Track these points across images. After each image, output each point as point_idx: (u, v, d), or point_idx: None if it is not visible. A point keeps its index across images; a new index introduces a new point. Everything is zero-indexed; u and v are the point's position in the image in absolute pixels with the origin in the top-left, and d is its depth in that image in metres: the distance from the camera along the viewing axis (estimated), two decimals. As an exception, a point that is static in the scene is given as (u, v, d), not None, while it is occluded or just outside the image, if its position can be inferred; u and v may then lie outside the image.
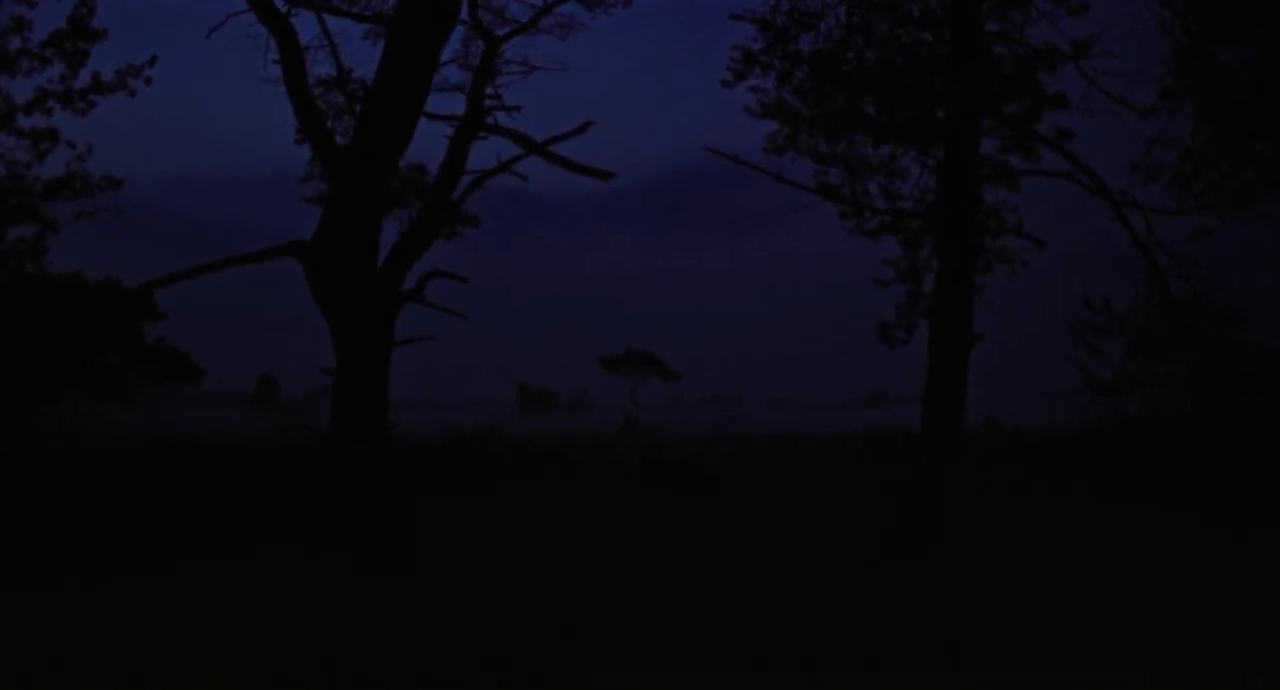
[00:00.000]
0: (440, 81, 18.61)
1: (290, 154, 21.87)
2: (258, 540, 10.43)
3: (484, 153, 18.19)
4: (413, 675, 6.08)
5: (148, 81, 16.70)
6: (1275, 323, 18.22)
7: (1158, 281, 17.28)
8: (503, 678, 6.05)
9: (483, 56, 18.05)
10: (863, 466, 16.80)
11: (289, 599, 7.88)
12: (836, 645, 6.75)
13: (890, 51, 19.82)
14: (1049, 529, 11.42)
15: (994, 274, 18.10)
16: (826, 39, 21.58)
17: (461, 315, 17.30)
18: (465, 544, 10.68)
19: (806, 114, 21.82)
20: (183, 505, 12.48)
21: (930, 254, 18.92)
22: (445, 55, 17.54)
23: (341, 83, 19.96)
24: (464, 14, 17.41)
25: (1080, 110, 17.57)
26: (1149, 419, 18.34)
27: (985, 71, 14.35)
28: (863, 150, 21.75)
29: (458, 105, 18.30)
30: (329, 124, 18.78)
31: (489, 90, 17.85)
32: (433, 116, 17.55)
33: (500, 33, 18.24)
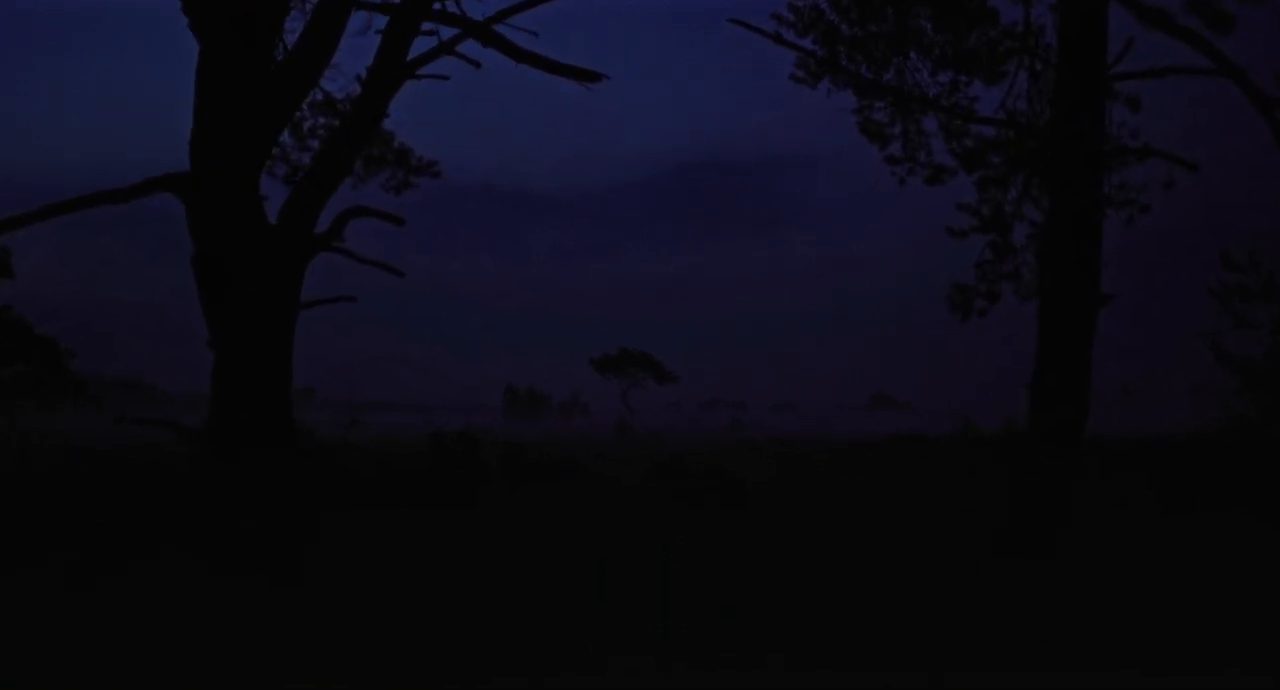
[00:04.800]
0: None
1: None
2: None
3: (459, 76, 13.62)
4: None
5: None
6: None
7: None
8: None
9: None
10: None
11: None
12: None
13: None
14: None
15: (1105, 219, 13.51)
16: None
17: (397, 272, 12.79)
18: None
19: (847, 33, 17.52)
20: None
21: (1018, 195, 14.46)
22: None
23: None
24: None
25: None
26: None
27: None
28: (917, 77, 17.50)
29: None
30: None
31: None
32: (362, 5, 13.03)
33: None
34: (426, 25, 12.77)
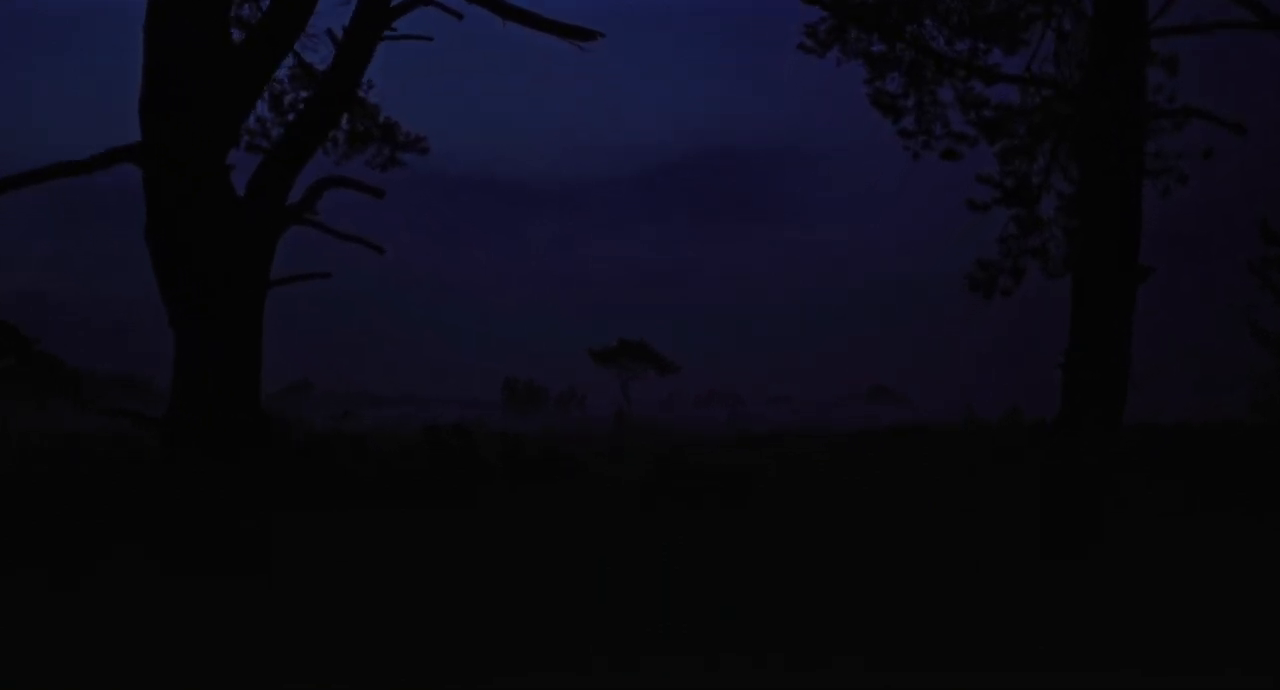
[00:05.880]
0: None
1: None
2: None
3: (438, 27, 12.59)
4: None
5: None
6: None
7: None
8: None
9: None
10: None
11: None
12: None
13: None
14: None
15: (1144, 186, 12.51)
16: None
17: (377, 248, 11.90)
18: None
19: (858, -1, 16.57)
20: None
21: (1046, 165, 13.49)
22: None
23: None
24: None
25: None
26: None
27: None
28: (934, 46, 16.56)
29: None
30: None
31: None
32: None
33: None
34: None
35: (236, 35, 12.41)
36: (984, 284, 13.68)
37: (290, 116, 16.76)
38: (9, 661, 6.45)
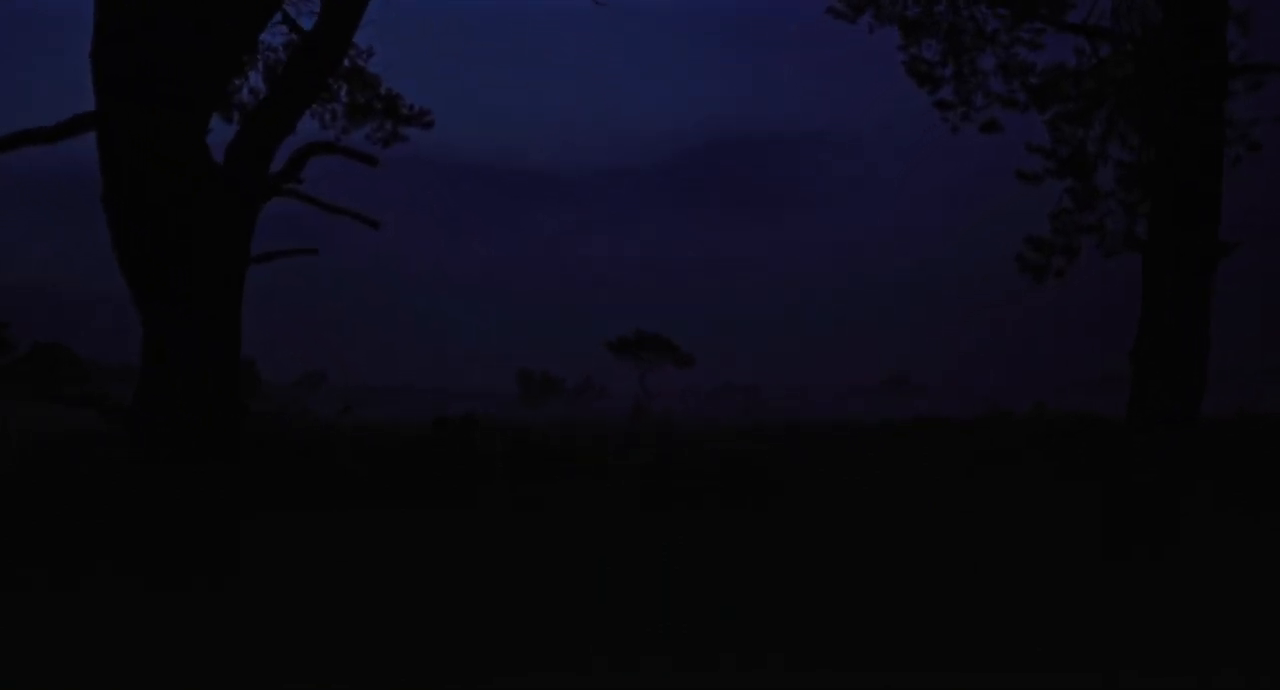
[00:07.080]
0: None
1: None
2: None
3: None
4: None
5: None
6: None
7: None
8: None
9: None
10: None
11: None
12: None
13: None
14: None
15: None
16: None
17: (371, 222, 10.87)
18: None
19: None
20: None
21: (1102, 133, 12.30)
22: None
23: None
24: None
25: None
26: None
27: None
28: (973, 10, 15.40)
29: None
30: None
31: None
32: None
33: None
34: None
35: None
36: (1035, 265, 12.50)
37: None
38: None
